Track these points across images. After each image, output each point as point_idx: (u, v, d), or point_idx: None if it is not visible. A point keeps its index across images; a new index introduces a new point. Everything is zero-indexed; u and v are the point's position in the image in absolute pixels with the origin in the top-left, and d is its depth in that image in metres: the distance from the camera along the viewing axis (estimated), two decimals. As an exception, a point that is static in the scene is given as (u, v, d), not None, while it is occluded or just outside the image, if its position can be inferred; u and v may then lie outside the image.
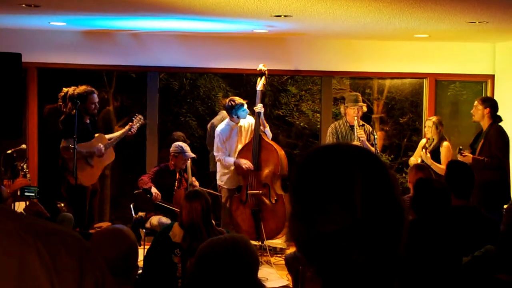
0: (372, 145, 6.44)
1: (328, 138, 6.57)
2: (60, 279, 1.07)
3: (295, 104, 10.03)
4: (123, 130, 6.33)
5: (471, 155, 6.02)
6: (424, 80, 7.95)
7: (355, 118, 6.40)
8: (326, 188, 1.09)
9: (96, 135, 6.10)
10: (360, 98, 6.70)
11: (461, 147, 6.15)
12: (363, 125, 6.53)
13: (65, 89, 6.02)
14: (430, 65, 7.73)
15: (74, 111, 5.77)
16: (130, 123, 6.34)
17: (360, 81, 9.90)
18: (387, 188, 1.11)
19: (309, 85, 10.01)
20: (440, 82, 8.22)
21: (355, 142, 6.28)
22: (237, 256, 2.06)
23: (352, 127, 6.48)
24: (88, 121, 6.11)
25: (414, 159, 6.68)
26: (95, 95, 6.07)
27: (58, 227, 1.18)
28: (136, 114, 6.48)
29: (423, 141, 6.73)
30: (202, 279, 2.06)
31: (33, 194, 5.11)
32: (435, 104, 7.88)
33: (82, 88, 5.98)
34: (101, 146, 6.02)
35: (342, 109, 6.66)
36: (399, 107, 10.14)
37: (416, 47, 7.61)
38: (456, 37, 7.26)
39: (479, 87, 8.19)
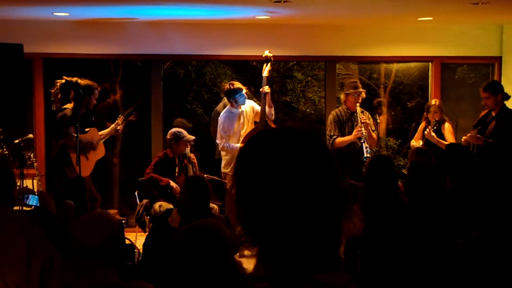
0: (373, 130, 6.41)
1: (330, 126, 6.44)
2: (9, 259, 1.13)
3: (301, 90, 10.01)
4: (110, 129, 6.30)
5: (483, 137, 6.02)
6: (430, 63, 7.90)
7: (357, 104, 6.34)
8: (265, 171, 1.12)
9: (87, 129, 6.02)
10: (359, 84, 6.61)
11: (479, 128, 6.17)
12: (362, 111, 6.46)
13: (66, 78, 5.91)
14: (435, 48, 7.68)
15: (73, 102, 5.78)
16: (116, 122, 6.32)
17: (367, 66, 9.83)
18: (326, 170, 1.14)
19: (315, 70, 9.97)
20: (448, 65, 8.16)
21: (358, 128, 6.24)
22: (206, 241, 2.10)
23: (352, 113, 6.42)
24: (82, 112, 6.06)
25: (415, 142, 6.65)
26: (97, 92, 6.05)
27: (19, 215, 1.25)
28: (120, 116, 6.48)
29: (423, 124, 6.70)
30: (176, 265, 2.11)
31: (34, 203, 5.11)
32: (441, 87, 7.82)
33: (88, 82, 5.93)
34: (95, 141, 5.99)
35: (342, 96, 6.58)
36: (406, 91, 10.07)
37: (421, 30, 7.55)
38: (461, 19, 7.19)
39: (487, 69, 8.13)
